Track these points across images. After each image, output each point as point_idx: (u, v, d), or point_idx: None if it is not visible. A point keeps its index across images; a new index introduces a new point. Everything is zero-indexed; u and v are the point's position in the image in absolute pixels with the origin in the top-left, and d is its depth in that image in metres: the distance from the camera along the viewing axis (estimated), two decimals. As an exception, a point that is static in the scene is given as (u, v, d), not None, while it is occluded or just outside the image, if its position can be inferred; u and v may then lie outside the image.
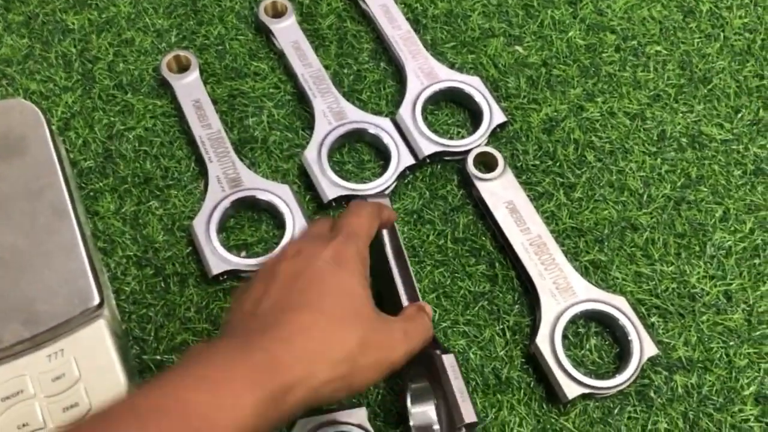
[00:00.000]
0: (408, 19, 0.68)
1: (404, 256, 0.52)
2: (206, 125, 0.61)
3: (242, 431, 0.33)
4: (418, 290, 0.51)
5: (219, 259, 0.56)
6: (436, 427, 0.49)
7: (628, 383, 0.53)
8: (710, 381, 0.54)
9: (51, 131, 0.57)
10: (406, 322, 0.44)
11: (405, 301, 0.50)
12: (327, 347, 0.38)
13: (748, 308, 0.57)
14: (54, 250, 0.51)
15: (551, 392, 0.53)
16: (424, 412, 0.50)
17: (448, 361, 0.47)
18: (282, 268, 0.41)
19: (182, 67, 0.65)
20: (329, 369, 0.37)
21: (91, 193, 0.60)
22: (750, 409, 0.53)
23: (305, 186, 0.61)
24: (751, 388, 0.54)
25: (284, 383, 0.35)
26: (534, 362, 0.54)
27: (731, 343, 0.56)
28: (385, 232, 0.51)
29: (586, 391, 0.52)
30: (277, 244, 0.57)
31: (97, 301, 0.50)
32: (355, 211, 0.46)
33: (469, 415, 0.44)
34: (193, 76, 0.64)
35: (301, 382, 0.36)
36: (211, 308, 0.56)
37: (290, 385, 0.35)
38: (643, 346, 0.53)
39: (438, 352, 0.47)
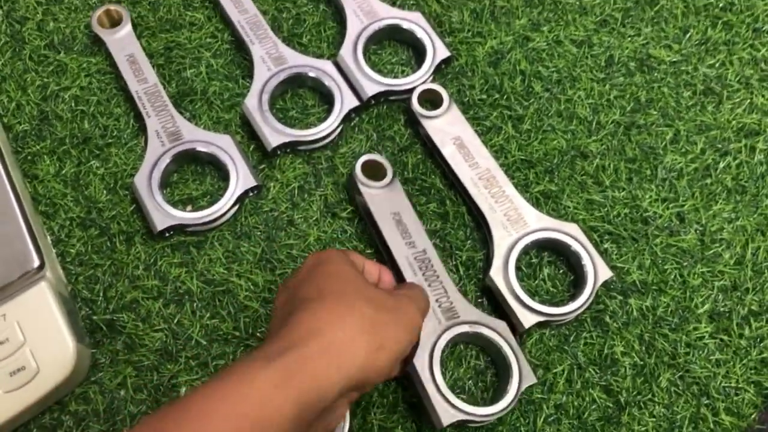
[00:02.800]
0: (346, -42, 0.66)
1: None
2: (142, 80, 0.60)
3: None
4: None
5: (163, 214, 0.55)
6: None
7: (583, 308, 0.53)
8: (665, 302, 0.54)
9: (-21, 95, 0.55)
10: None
11: None
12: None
13: (700, 228, 0.57)
14: (-12, 215, 0.50)
15: (508, 323, 0.53)
16: None
17: None
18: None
19: (114, 22, 0.63)
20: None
21: (29, 157, 0.59)
22: (705, 327, 0.54)
23: (249, 135, 0.60)
24: (705, 306, 0.54)
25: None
26: (489, 295, 0.54)
27: (685, 264, 0.56)
28: None
29: (543, 319, 0.52)
30: (222, 195, 0.56)
31: (36, 263, 0.49)
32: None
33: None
34: (126, 30, 0.62)
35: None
36: (159, 265, 0.55)
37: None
38: (597, 271, 0.53)
39: None
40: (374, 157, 0.56)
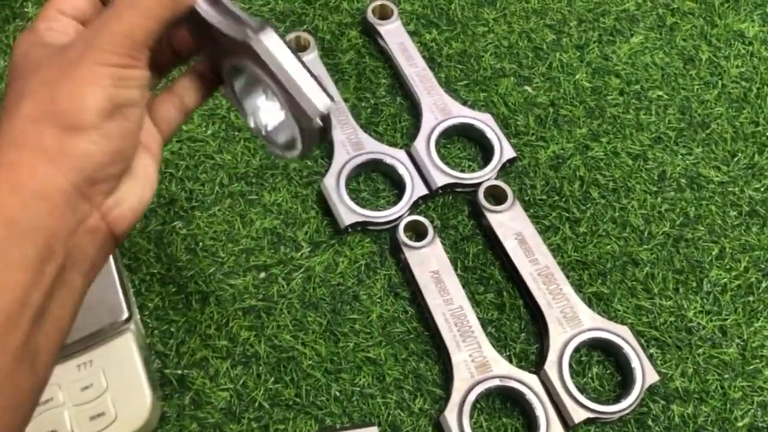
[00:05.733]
0: (424, 57, 0.71)
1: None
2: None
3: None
4: None
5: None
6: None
7: (631, 408, 0.55)
8: (706, 412, 0.57)
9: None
10: None
11: None
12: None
13: (742, 343, 0.60)
14: (85, 265, 0.53)
15: (559, 416, 0.55)
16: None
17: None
18: None
19: (208, 95, 0.68)
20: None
21: (118, 212, 0.63)
22: (744, 440, 0.56)
23: (323, 211, 0.64)
24: (744, 420, 0.56)
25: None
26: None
27: (726, 376, 0.58)
28: None
29: (592, 415, 0.54)
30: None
31: (126, 314, 0.52)
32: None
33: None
34: (219, 103, 0.67)
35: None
36: (230, 326, 0.58)
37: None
38: (645, 373, 0.56)
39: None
40: (416, 217, 0.62)
